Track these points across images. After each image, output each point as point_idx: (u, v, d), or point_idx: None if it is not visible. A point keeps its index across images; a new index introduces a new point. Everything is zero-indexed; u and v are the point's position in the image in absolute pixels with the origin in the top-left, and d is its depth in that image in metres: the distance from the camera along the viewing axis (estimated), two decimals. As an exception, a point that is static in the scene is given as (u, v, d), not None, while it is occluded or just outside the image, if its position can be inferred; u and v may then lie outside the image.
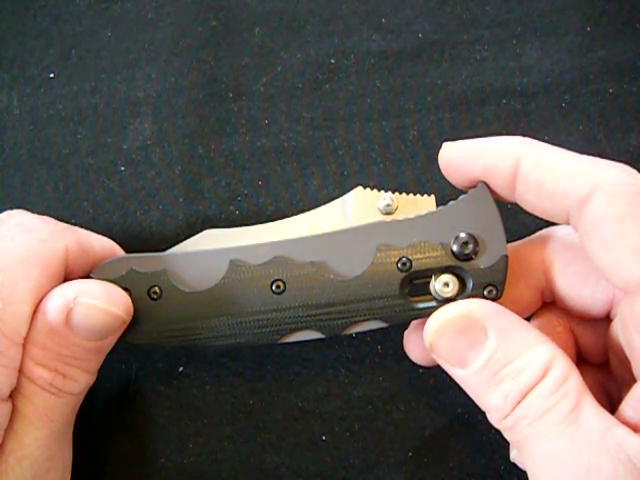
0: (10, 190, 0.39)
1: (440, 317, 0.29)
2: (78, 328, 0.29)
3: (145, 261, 0.31)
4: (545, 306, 0.33)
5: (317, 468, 0.35)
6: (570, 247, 0.31)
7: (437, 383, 0.36)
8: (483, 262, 0.30)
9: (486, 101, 0.41)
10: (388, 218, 0.32)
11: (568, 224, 0.29)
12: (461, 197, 0.30)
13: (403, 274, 0.30)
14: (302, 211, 0.38)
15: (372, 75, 0.41)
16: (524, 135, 0.40)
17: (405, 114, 0.40)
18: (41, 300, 0.29)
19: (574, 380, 0.27)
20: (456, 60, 0.41)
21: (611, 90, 0.40)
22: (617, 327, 0.29)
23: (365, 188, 0.34)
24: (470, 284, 0.30)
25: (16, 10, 0.43)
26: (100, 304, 0.29)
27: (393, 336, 0.36)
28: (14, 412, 0.28)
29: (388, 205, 0.33)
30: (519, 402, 0.27)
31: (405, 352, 0.33)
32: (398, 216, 0.33)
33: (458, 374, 0.29)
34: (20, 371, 0.28)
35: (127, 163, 0.40)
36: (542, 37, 0.41)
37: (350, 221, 0.33)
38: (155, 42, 0.42)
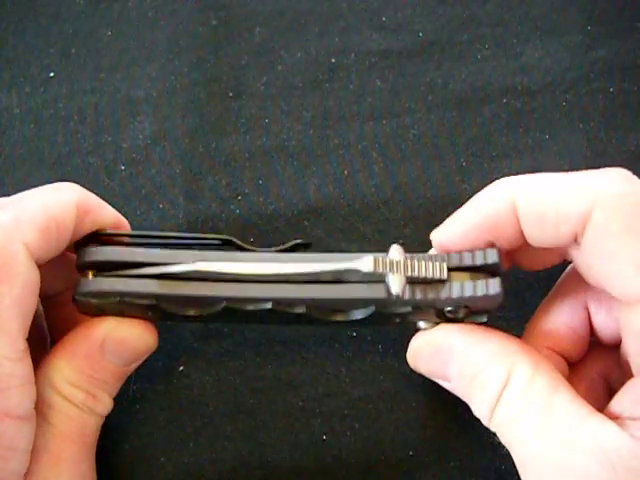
0: (10, 189, 0.39)
1: (413, 346, 0.32)
2: (111, 355, 0.31)
3: (136, 295, 0.30)
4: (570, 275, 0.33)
5: (317, 467, 0.35)
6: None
7: (437, 383, 0.36)
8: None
9: (487, 100, 0.40)
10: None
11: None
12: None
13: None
14: (303, 211, 0.39)
15: (372, 74, 0.41)
16: (525, 134, 0.40)
17: (405, 113, 0.40)
18: (24, 311, 0.28)
19: (540, 381, 0.28)
20: (457, 59, 0.41)
21: (612, 89, 0.40)
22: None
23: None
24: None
25: (16, 9, 0.43)
26: (130, 336, 0.32)
27: (394, 336, 0.36)
28: (49, 429, 0.29)
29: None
30: (494, 408, 0.28)
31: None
32: None
33: (447, 386, 0.31)
34: (55, 391, 0.30)
35: (127, 162, 0.40)
36: (543, 36, 0.41)
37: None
38: (155, 41, 0.42)
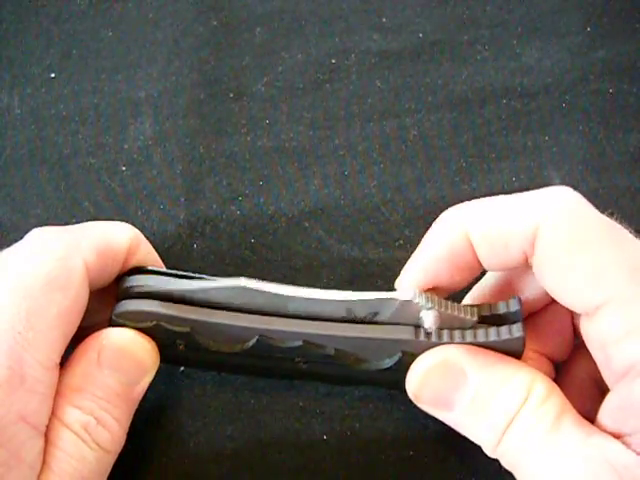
0: (11, 190, 0.39)
1: (420, 368, 0.30)
2: (109, 368, 0.30)
3: (173, 319, 0.31)
4: None
5: (318, 467, 0.35)
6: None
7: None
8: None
9: (486, 101, 0.41)
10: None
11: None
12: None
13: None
14: (303, 213, 0.39)
15: (373, 75, 0.41)
16: (525, 135, 0.40)
17: (405, 114, 0.40)
18: (68, 325, 0.29)
19: (555, 398, 0.28)
20: (456, 60, 0.41)
21: (611, 90, 0.40)
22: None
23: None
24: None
25: (16, 10, 0.43)
26: (129, 344, 0.30)
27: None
28: (43, 468, 0.28)
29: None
30: (506, 430, 0.28)
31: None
32: None
33: (447, 417, 0.30)
34: (54, 415, 0.28)
35: (128, 163, 0.40)
36: (542, 37, 0.41)
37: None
38: (156, 42, 0.42)
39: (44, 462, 0.28)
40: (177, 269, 0.32)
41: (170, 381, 0.36)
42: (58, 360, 0.28)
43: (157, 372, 0.36)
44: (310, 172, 0.40)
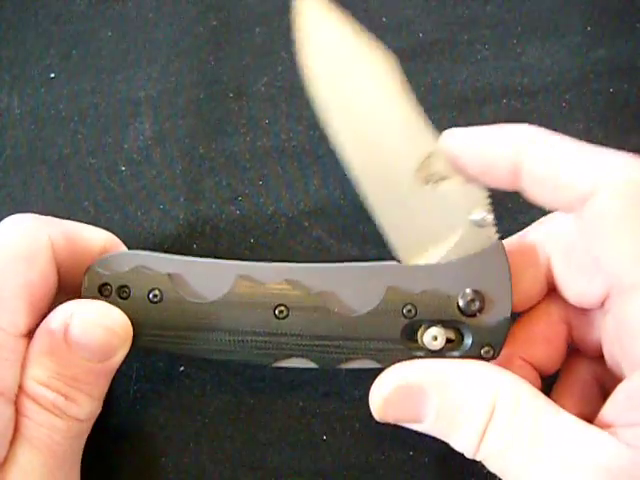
0: (10, 190, 0.39)
1: (379, 393, 0.29)
2: (77, 346, 0.29)
3: (150, 260, 0.31)
4: (547, 293, 0.33)
5: (317, 468, 0.35)
6: (569, 235, 0.31)
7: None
8: (485, 321, 0.30)
9: (486, 100, 0.41)
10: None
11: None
12: (475, 253, 0.30)
13: (406, 320, 0.30)
14: (303, 212, 0.39)
15: (372, 75, 0.41)
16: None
17: (405, 114, 0.40)
18: (33, 296, 0.29)
19: (526, 407, 0.27)
20: (456, 60, 0.41)
21: (611, 89, 0.40)
22: (611, 322, 0.29)
23: None
24: (469, 341, 0.30)
25: (16, 10, 0.43)
26: (97, 320, 0.29)
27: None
28: (16, 436, 0.28)
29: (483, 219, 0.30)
30: (481, 441, 0.28)
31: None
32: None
33: (419, 428, 0.30)
34: (22, 390, 0.28)
35: (128, 163, 0.40)
36: (542, 37, 0.41)
37: None
38: (156, 42, 0.42)
39: (17, 430, 0.28)
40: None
41: (170, 381, 0.36)
42: (24, 330, 0.29)
43: (157, 371, 0.36)
44: (310, 172, 0.40)
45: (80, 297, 0.30)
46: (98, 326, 0.29)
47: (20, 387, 0.28)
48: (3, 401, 0.28)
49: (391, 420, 0.30)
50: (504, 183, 0.29)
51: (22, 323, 0.29)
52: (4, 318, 0.28)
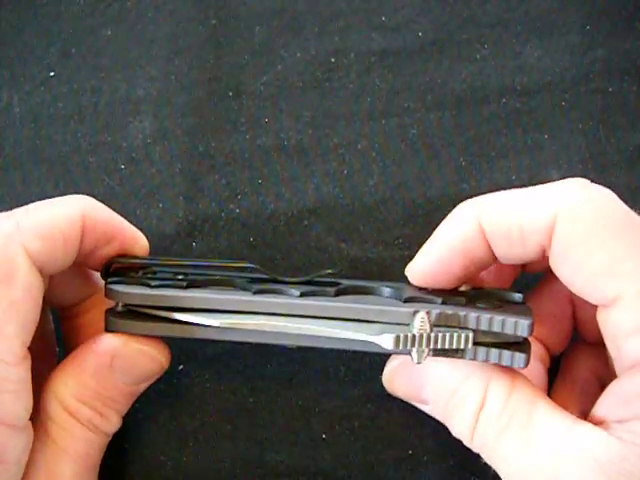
0: (11, 188, 0.39)
1: (387, 370, 0.32)
2: (120, 373, 0.30)
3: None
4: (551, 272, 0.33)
5: (317, 466, 0.35)
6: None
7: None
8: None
9: (486, 100, 0.41)
10: None
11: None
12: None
13: None
14: (302, 211, 0.39)
15: (372, 74, 0.41)
16: (525, 133, 0.40)
17: (405, 113, 0.40)
18: (23, 313, 0.28)
19: (518, 397, 0.28)
20: (456, 59, 0.41)
21: (611, 89, 0.40)
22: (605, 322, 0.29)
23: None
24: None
25: (16, 9, 0.43)
26: (144, 349, 0.31)
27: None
28: (50, 445, 0.29)
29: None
30: (474, 428, 0.29)
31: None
32: None
33: (426, 409, 0.31)
34: (60, 405, 0.29)
35: (127, 161, 0.40)
36: (542, 36, 0.41)
37: None
38: (155, 41, 0.42)
39: (48, 437, 0.29)
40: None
41: (170, 381, 0.36)
42: (22, 352, 0.28)
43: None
44: (309, 170, 0.40)
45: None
46: (144, 355, 0.31)
47: (57, 401, 0.29)
48: (16, 433, 0.27)
49: (400, 395, 0.31)
50: (483, 256, 0.30)
51: (19, 349, 0.27)
52: (2, 350, 0.27)
